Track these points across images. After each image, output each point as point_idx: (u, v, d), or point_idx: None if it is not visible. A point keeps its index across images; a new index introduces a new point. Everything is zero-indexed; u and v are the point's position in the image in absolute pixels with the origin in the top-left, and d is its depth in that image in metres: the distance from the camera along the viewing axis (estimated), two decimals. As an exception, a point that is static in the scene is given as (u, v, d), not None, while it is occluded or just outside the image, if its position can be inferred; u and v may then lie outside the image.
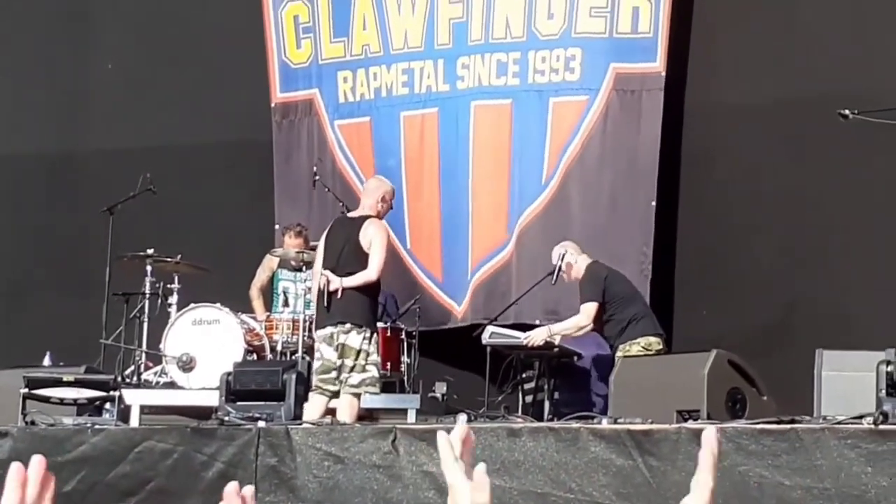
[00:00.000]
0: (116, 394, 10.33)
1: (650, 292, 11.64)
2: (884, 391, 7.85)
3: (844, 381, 8.86)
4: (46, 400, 10.00)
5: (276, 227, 13.04)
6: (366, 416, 10.93)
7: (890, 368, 7.89)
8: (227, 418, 9.15)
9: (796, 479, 7.52)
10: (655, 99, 12.07)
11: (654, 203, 11.94)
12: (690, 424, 8.17)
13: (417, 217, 12.96)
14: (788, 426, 7.85)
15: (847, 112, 10.40)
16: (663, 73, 12.07)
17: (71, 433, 9.22)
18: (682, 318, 11.88)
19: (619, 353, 10.87)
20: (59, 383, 10.03)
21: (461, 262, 12.72)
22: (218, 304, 11.65)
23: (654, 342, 10.94)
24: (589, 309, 11.05)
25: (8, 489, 2.31)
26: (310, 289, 11.90)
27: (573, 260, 11.32)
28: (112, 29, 14.38)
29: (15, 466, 2.37)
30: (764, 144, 11.95)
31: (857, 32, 11.70)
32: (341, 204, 12.36)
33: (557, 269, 11.37)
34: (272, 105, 13.51)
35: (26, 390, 9.96)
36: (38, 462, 2.37)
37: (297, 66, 13.52)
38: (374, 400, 11.23)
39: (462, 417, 9.70)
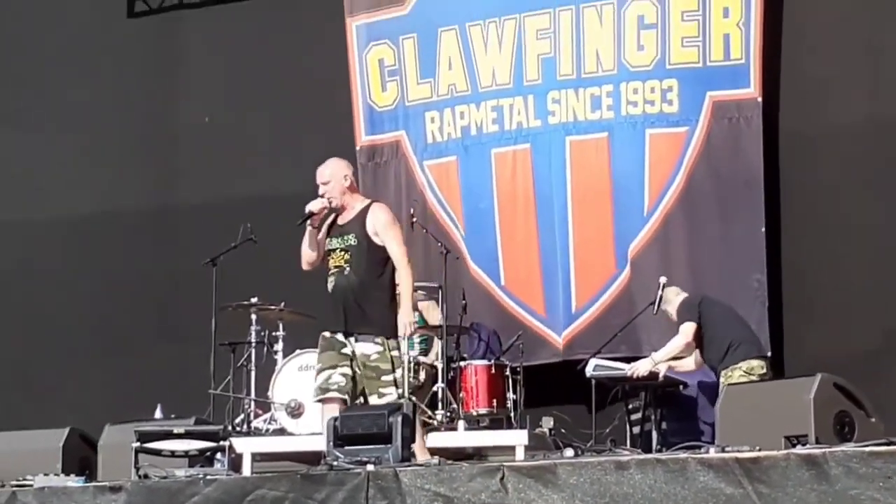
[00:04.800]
0: (227, 443, 10.36)
1: (768, 318, 11.67)
2: None
3: None
4: (158, 453, 10.04)
5: None
6: (474, 454, 10.94)
7: None
8: (335, 463, 9.09)
9: (912, 501, 7.49)
10: (754, 125, 12.03)
11: (763, 230, 11.92)
12: (799, 450, 8.06)
13: (512, 254, 12.95)
14: (901, 448, 7.82)
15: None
16: (759, 99, 12.04)
17: (184, 485, 9.17)
18: (790, 341, 11.82)
19: (722, 379, 10.86)
20: (169, 436, 10.05)
21: (564, 296, 12.67)
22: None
23: (757, 366, 10.89)
24: (686, 329, 11.05)
25: None
26: (416, 328, 12.12)
27: (670, 298, 11.36)
28: (203, 82, 14.55)
29: None
30: (861, 165, 11.92)
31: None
32: (439, 244, 12.43)
33: (659, 298, 11.42)
34: (357, 148, 13.52)
35: (138, 444, 10.01)
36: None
37: (382, 108, 13.54)
38: (482, 438, 11.30)
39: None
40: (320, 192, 9.77)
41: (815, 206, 12.08)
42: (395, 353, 9.72)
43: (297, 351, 11.49)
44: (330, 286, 9.74)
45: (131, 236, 13.99)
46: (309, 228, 9.76)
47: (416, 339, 11.97)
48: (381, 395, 9.62)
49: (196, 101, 14.48)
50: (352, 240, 9.70)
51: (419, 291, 12.15)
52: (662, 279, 11.53)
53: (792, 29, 12.26)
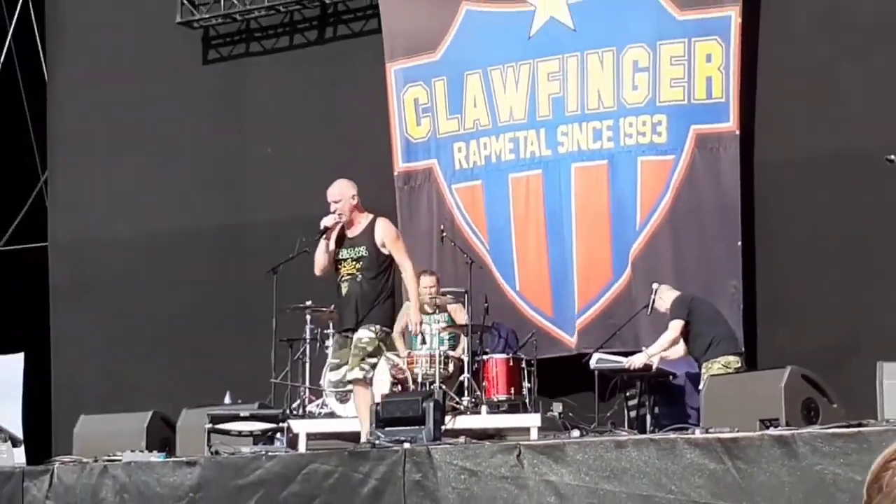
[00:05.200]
0: (285, 425, 10.45)
1: (742, 319, 11.61)
2: None
3: None
4: (227, 433, 10.17)
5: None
6: (495, 434, 10.93)
7: None
8: (377, 442, 9.20)
9: (866, 475, 7.47)
10: (732, 154, 12.00)
11: (739, 243, 11.89)
12: (771, 431, 8.11)
13: (526, 264, 12.94)
14: (856, 429, 7.80)
15: (893, 157, 10.34)
16: (737, 132, 12.01)
17: (248, 460, 9.31)
18: (763, 338, 11.79)
19: (703, 370, 10.88)
20: (237, 418, 10.19)
21: (570, 300, 12.66)
22: None
23: (734, 360, 10.90)
24: (676, 325, 11.07)
25: None
26: (443, 328, 12.12)
27: (663, 296, 11.40)
28: (265, 118, 14.56)
29: None
30: (824, 189, 11.89)
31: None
32: (465, 256, 12.42)
33: (651, 302, 11.45)
34: (395, 173, 13.55)
35: (210, 426, 10.14)
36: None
37: (417, 140, 13.55)
38: (502, 420, 11.35)
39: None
40: (332, 209, 9.87)
41: (784, 223, 12.06)
42: (383, 343, 9.86)
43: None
44: (344, 291, 9.84)
45: (208, 249, 14.05)
46: (323, 240, 9.84)
47: (446, 336, 12.13)
48: (360, 369, 9.72)
49: (259, 135, 14.51)
50: (363, 251, 9.80)
51: (448, 295, 12.30)
52: (655, 285, 11.52)
53: (766, 72, 12.22)
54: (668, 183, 12.30)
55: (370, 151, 13.73)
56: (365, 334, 9.71)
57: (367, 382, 9.84)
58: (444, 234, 12.77)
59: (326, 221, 9.85)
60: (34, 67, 16.17)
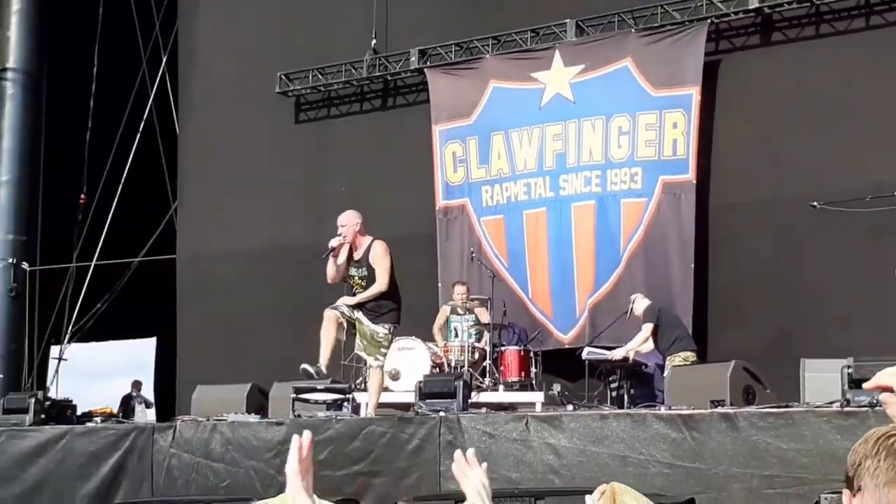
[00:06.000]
0: (350, 396, 10.39)
1: (692, 324, 11.56)
2: (846, 385, 7.71)
3: (820, 379, 8.72)
4: (307, 401, 10.08)
5: (440, 285, 13.10)
6: (508, 406, 10.87)
7: (849, 370, 7.73)
8: (420, 411, 9.18)
9: (790, 443, 7.44)
10: (690, 198, 11.99)
11: (692, 265, 11.86)
12: (719, 410, 8.03)
13: (536, 279, 12.88)
14: (784, 409, 7.76)
15: (815, 203, 10.39)
16: (694, 182, 12.00)
17: (322, 422, 9.29)
18: (713, 339, 11.78)
19: (668, 362, 10.89)
20: (314, 390, 10.03)
21: (568, 306, 12.63)
22: (413, 337, 11.77)
23: (690, 355, 10.93)
24: (647, 328, 11.09)
25: (292, 451, 2.36)
26: (471, 326, 12.09)
27: (637, 304, 11.41)
28: (342, 164, 14.56)
29: (295, 437, 2.41)
30: (762, 225, 11.85)
31: (823, 144, 11.59)
32: (489, 272, 12.47)
33: (630, 309, 11.45)
34: (437, 208, 13.53)
35: (294, 395, 10.07)
36: (308, 435, 2.41)
37: (453, 184, 13.50)
38: (514, 396, 11.30)
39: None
40: (339, 232, 9.55)
41: (729, 252, 12.00)
42: (392, 337, 9.64)
43: (397, 338, 11.25)
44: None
45: (294, 262, 13.97)
46: (331, 258, 9.51)
47: (473, 332, 12.07)
48: (376, 359, 9.54)
49: (336, 177, 14.48)
50: (364, 271, 9.54)
51: (475, 301, 12.30)
52: (633, 296, 11.51)
53: (718, 136, 12.20)
54: (641, 219, 12.28)
55: (418, 191, 13.70)
56: (381, 331, 9.52)
57: (380, 368, 9.67)
58: (474, 255, 12.78)
59: (332, 243, 9.50)
60: (168, 124, 16.25)
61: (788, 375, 9.38)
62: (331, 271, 9.55)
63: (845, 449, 7.24)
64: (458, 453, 2.28)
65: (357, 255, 9.57)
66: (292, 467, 2.23)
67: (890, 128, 11.22)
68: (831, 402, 7.81)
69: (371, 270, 9.48)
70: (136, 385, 18.11)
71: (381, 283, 9.46)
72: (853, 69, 11.58)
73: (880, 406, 7.62)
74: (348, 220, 9.58)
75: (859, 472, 1.86)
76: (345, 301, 9.60)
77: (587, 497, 3.40)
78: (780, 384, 9.39)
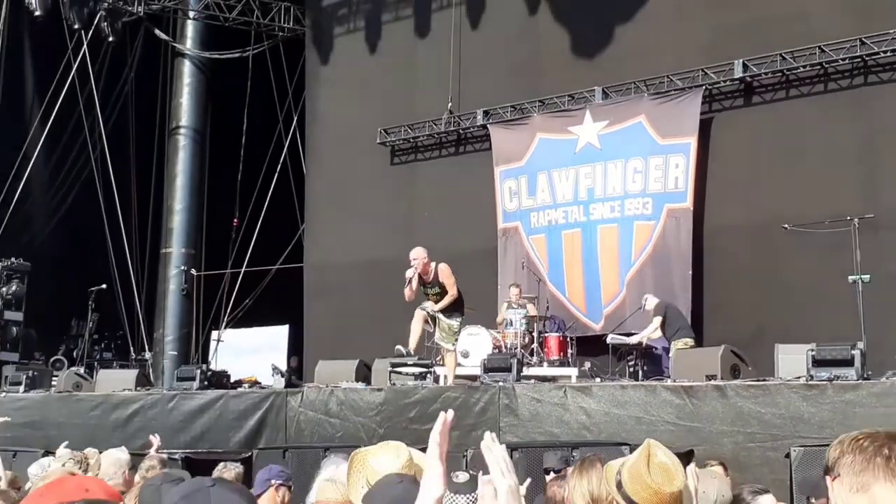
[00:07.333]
0: (433, 370, 10.37)
1: (690, 317, 11.38)
2: (810, 364, 7.62)
3: (790, 360, 8.50)
4: (400, 373, 10.05)
5: (499, 287, 13.01)
6: (551, 379, 10.78)
7: (813, 353, 7.64)
8: (484, 381, 9.10)
9: (768, 408, 7.35)
10: (688, 222, 11.87)
11: (690, 272, 11.74)
12: (712, 382, 7.94)
13: (571, 282, 12.79)
14: (762, 382, 7.67)
15: (786, 225, 10.25)
16: (691, 209, 11.88)
17: (411, 389, 9.26)
18: (707, 329, 11.60)
19: (672, 346, 10.75)
20: (406, 365, 9.93)
21: (596, 303, 12.55)
22: (479, 326, 11.68)
23: (690, 341, 10.74)
24: (656, 320, 10.92)
25: (438, 423, 1.92)
26: (522, 317, 11.95)
27: (648, 302, 11.32)
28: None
29: (442, 413, 1.96)
30: (744, 242, 11.69)
31: (791, 180, 11.39)
32: (536, 277, 12.45)
33: (643, 306, 11.36)
34: (498, 229, 13.48)
35: (391, 369, 10.03)
36: (451, 413, 1.96)
37: (509, 211, 13.45)
38: (555, 371, 11.16)
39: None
40: (411, 264, 9.44)
41: (718, 262, 11.84)
42: (458, 328, 9.61)
43: (468, 325, 11.36)
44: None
45: (391, 270, 13.59)
46: (407, 285, 9.38)
47: (525, 322, 11.83)
48: (452, 345, 9.56)
49: (421, 207, 14.41)
50: (436, 288, 9.48)
51: (525, 299, 12.15)
52: (645, 296, 11.40)
53: (711, 173, 12.06)
54: (651, 237, 12.19)
55: (484, 217, 13.65)
56: (454, 323, 9.57)
57: (454, 352, 9.68)
58: (524, 264, 12.77)
59: (408, 273, 9.40)
60: (298, 166, 16.59)
61: (765, 357, 9.24)
62: (407, 294, 9.49)
63: (810, 413, 7.08)
64: (487, 434, 1.97)
65: (428, 279, 9.53)
66: (434, 437, 1.92)
67: (843, 167, 11.06)
68: (799, 377, 7.71)
69: (441, 286, 9.48)
70: (290, 360, 18.16)
71: (452, 294, 9.53)
72: (814, 123, 11.44)
73: (838, 380, 7.49)
74: (418, 255, 9.55)
75: (839, 463, 1.93)
76: (429, 304, 9.65)
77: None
78: (760, 363, 9.27)
